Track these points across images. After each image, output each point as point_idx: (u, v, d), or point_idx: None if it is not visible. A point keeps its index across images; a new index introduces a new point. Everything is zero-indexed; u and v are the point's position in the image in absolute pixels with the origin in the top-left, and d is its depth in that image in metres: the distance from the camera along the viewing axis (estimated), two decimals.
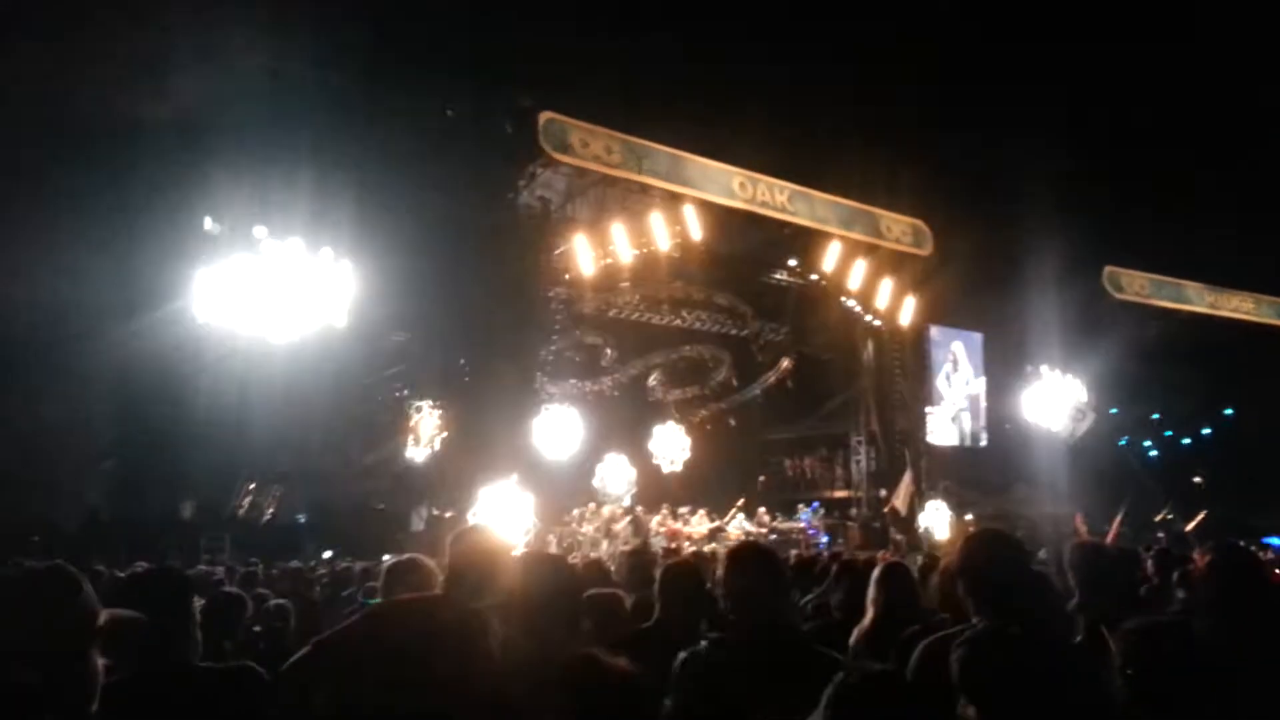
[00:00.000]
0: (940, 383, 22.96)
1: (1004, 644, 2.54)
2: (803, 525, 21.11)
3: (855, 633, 4.08)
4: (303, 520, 18.72)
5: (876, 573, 4.22)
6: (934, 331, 22.91)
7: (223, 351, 14.75)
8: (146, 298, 14.45)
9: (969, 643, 2.53)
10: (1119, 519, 17.58)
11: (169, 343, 14.91)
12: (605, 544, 18.23)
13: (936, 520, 20.86)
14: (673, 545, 18.68)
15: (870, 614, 4.08)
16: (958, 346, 22.98)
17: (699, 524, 20.11)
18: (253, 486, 18.49)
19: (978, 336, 22.98)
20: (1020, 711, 2.33)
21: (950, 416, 22.94)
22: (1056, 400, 22.18)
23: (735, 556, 3.25)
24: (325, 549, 15.27)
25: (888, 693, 2.01)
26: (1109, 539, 18.10)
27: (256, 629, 5.47)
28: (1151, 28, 20.57)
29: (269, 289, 14.14)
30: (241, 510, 18.28)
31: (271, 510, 18.72)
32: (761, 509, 21.52)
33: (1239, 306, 25.50)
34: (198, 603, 3.05)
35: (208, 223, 13.71)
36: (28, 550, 12.30)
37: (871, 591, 4.13)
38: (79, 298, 14.61)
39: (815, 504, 22.59)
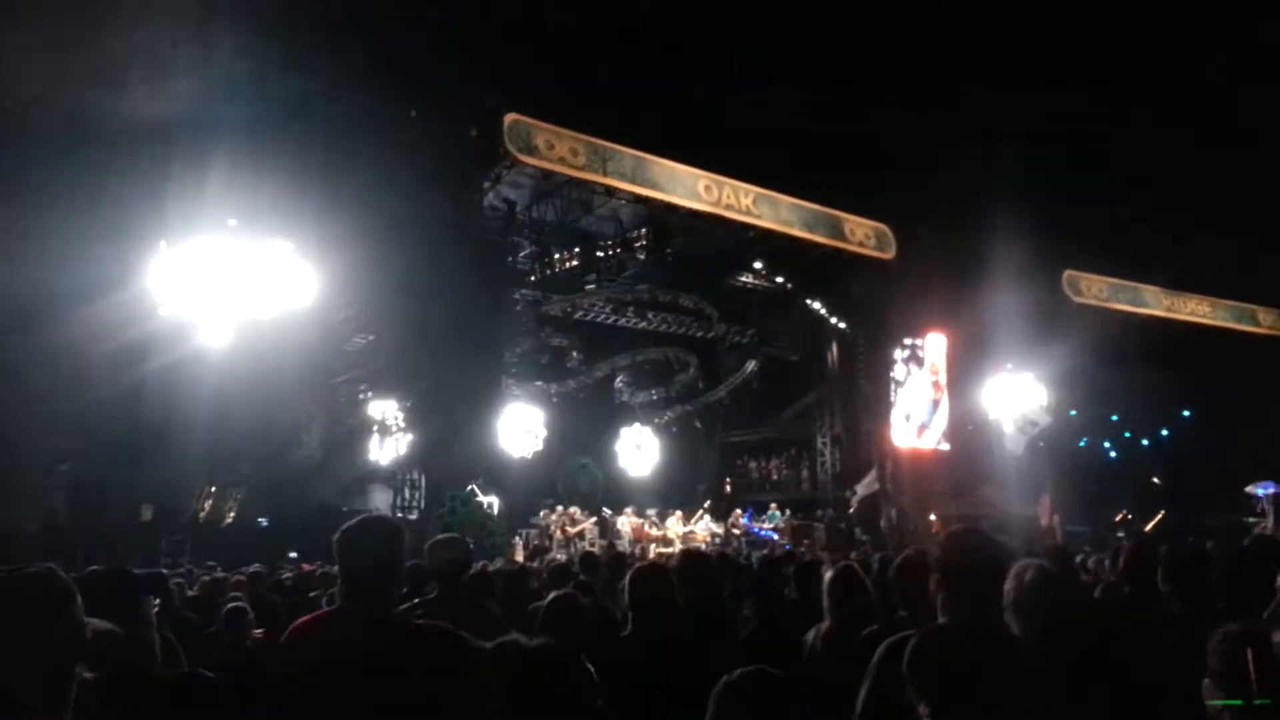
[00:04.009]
0: (904, 384, 23.15)
1: (952, 640, 2.57)
2: (747, 529, 20.98)
3: (812, 634, 4.11)
4: (265, 523, 18.54)
5: (828, 578, 4.26)
6: (897, 334, 23.10)
7: (183, 353, 14.57)
8: (104, 299, 14.25)
9: (919, 639, 2.57)
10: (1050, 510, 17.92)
11: (128, 345, 14.73)
12: (571, 546, 18.24)
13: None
14: (638, 547, 18.77)
15: (829, 618, 4.12)
16: (921, 349, 23.17)
17: (674, 526, 20.15)
18: (213, 489, 18.29)
19: (941, 339, 23.18)
20: (966, 708, 2.36)
21: (914, 418, 23.13)
22: (1016, 404, 22.46)
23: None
24: (290, 551, 15.15)
25: (768, 689, 2.10)
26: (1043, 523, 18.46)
27: (216, 629, 5.48)
28: (1112, 34, 20.88)
29: (230, 287, 14.01)
30: (202, 513, 18.08)
31: (233, 513, 18.53)
32: (738, 511, 21.59)
33: (1195, 310, 25.92)
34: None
35: (162, 245, 13.65)
36: None
37: (826, 598, 4.17)
38: (35, 299, 14.38)
39: (749, 510, 22.27)
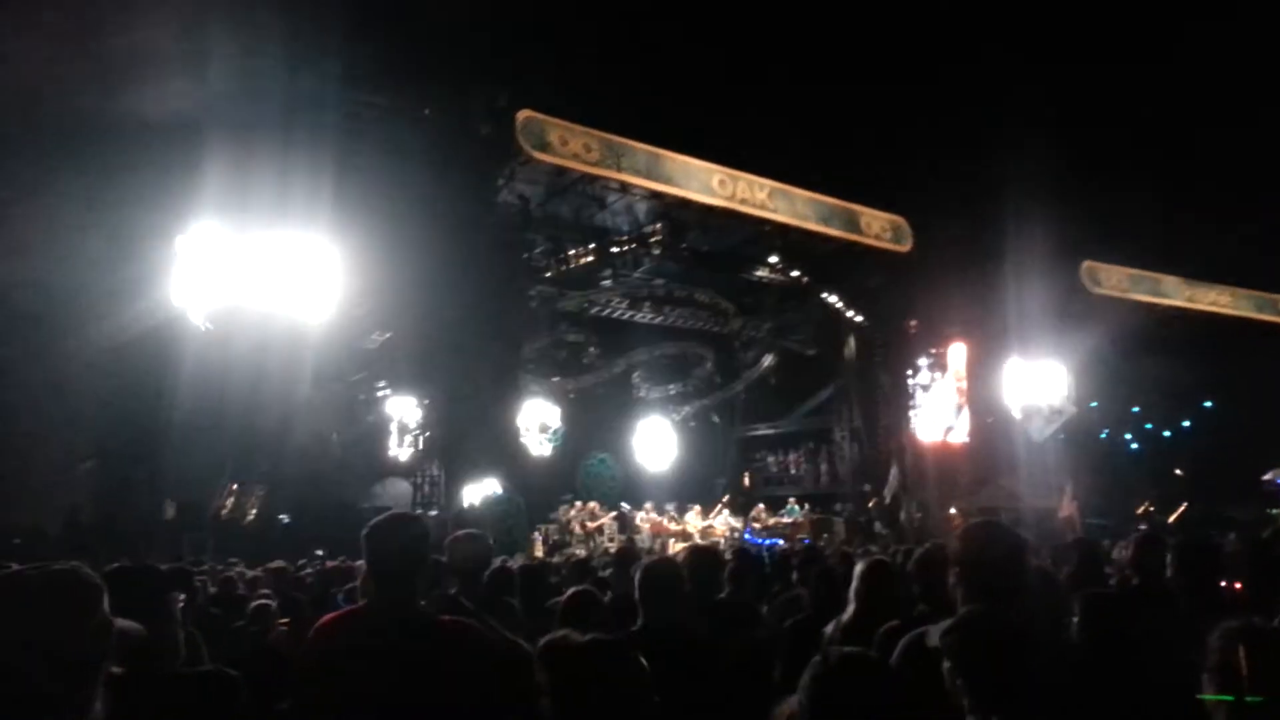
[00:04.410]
0: (922, 377, 23.08)
1: (996, 628, 2.57)
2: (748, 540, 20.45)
3: (833, 625, 4.12)
4: (286, 520, 18.65)
5: (860, 569, 4.27)
6: (915, 326, 23.02)
7: (203, 350, 14.68)
8: (127, 297, 14.38)
9: (962, 625, 2.57)
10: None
11: (149, 343, 14.85)
12: (591, 541, 18.29)
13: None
14: (657, 542, 18.78)
15: (851, 608, 4.13)
16: (945, 357, 23.11)
17: (693, 520, 20.14)
18: (235, 487, 18.41)
19: (962, 348, 23.11)
20: (1010, 696, 2.36)
21: (933, 411, 23.05)
22: (1036, 395, 22.36)
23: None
24: (316, 549, 15.23)
25: (865, 671, 2.10)
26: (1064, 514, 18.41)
27: (241, 623, 5.54)
28: (1132, 27, 20.73)
29: (249, 285, 14.13)
30: (224, 511, 18.20)
31: (254, 510, 18.65)
32: (761, 505, 21.54)
33: (1216, 300, 25.70)
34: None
35: (178, 241, 13.77)
36: (9, 553, 12.21)
37: (854, 586, 4.18)
38: (61, 298, 14.51)
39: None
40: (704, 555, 4.53)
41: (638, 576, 3.92)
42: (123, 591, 2.79)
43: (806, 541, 18.68)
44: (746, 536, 20.16)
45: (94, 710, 1.85)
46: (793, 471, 27.52)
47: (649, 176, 18.02)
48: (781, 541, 19.87)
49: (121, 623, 2.33)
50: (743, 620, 4.56)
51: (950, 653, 2.44)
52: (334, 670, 2.81)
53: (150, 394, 16.13)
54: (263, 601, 5.57)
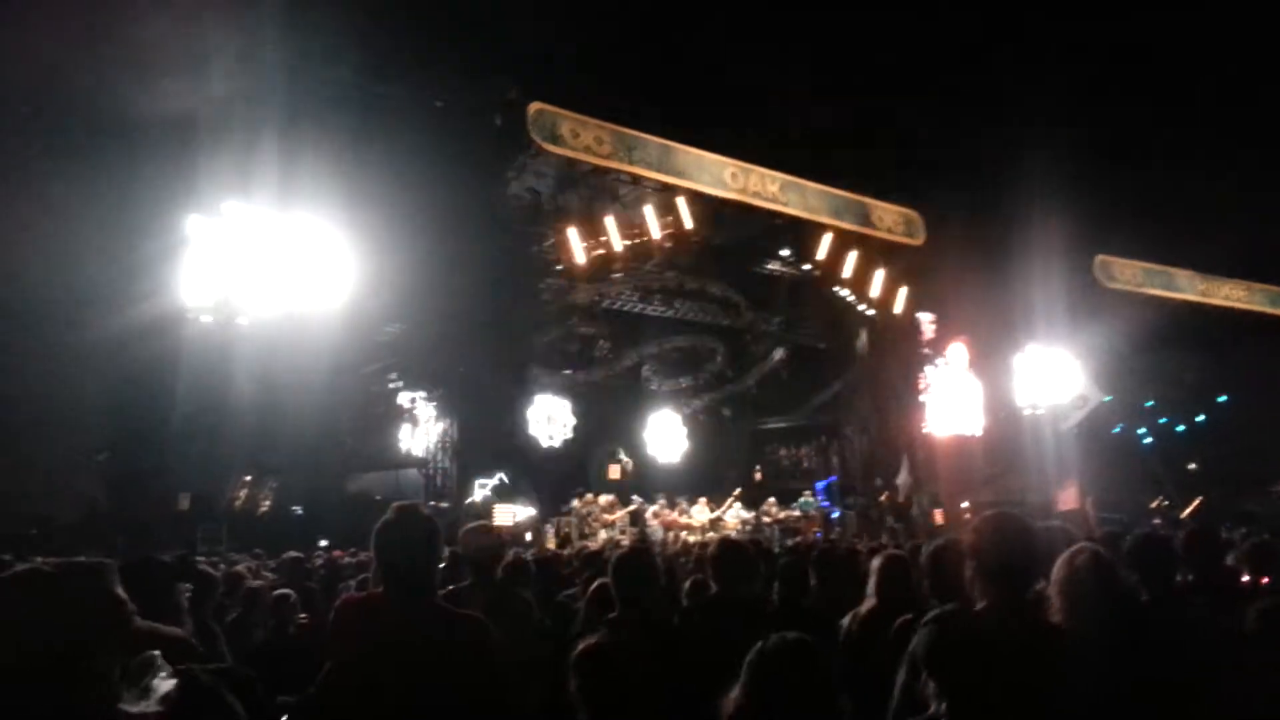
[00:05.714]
0: (934, 371, 23.00)
1: (969, 622, 2.58)
2: (816, 509, 21.26)
3: (850, 618, 4.16)
4: (299, 512, 18.73)
5: (877, 563, 4.32)
6: (926, 320, 22.95)
7: (216, 342, 14.72)
8: (140, 286, 14.42)
9: (934, 621, 2.59)
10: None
11: (164, 334, 14.90)
12: (603, 533, 18.31)
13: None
14: (669, 535, 18.80)
15: (869, 602, 4.18)
16: (951, 335, 23.01)
17: (700, 513, 20.17)
18: (248, 478, 18.50)
19: (963, 349, 23.05)
20: (978, 690, 2.37)
21: (944, 404, 22.97)
22: (1051, 386, 22.28)
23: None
24: (320, 540, 15.32)
25: (800, 655, 2.21)
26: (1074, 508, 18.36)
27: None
28: (1146, 19, 20.58)
29: (264, 277, 14.16)
30: (238, 502, 18.30)
31: (268, 502, 18.74)
32: (771, 499, 21.58)
33: (1230, 294, 25.57)
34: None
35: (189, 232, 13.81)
36: (25, 544, 12.31)
37: (872, 581, 4.24)
38: (72, 288, 14.58)
39: (830, 479, 22.49)
40: (733, 549, 4.52)
41: (610, 569, 3.96)
42: (128, 586, 2.81)
43: (819, 535, 18.78)
44: (824, 505, 21.10)
45: (111, 703, 1.85)
46: (804, 465, 27.52)
47: (660, 169, 18.00)
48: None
49: (164, 630, 2.34)
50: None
51: (919, 652, 2.46)
52: (354, 653, 2.82)
53: (163, 386, 16.20)
54: (283, 591, 5.61)
